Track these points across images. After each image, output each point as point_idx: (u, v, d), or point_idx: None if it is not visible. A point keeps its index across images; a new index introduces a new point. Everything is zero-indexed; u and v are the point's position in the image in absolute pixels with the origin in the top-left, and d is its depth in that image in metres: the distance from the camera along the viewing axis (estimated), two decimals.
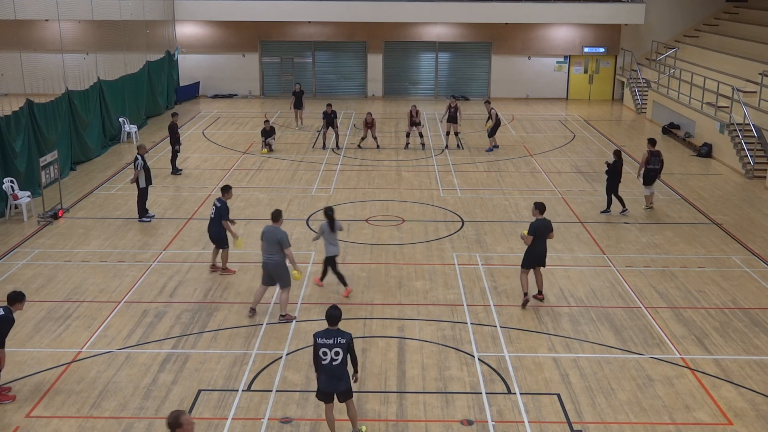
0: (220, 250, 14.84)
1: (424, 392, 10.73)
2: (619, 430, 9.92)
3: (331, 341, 9.05)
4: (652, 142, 19.08)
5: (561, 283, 14.55)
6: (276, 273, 12.71)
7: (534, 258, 13.38)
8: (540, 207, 13.40)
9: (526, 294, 13.44)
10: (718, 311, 13.47)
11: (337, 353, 9.03)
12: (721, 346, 12.19)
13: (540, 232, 13.22)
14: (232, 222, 14.74)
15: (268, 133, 25.19)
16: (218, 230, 14.56)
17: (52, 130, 21.10)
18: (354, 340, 12.08)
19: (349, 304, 13.54)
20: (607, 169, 18.55)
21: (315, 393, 9.59)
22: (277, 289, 13.22)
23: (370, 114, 25.70)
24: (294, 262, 12.71)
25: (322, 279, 14.21)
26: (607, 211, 18.77)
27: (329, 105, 25.64)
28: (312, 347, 9.28)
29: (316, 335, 9.19)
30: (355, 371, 9.43)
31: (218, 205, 14.48)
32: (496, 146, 25.62)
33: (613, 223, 18.16)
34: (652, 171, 18.88)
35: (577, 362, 11.62)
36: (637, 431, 9.92)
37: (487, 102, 26.21)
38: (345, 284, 13.89)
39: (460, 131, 25.98)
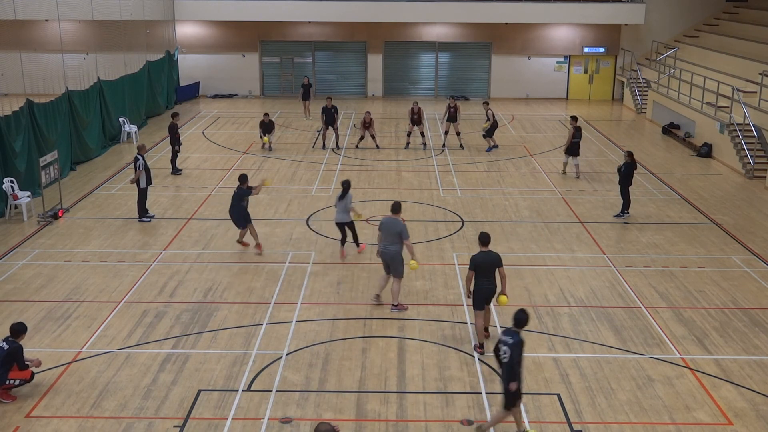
0: (245, 230, 15.97)
1: (424, 392, 10.73)
2: (619, 430, 9.92)
3: (504, 338, 9.41)
4: (574, 119, 21.94)
5: (561, 283, 14.55)
6: (392, 262, 13.06)
7: (484, 296, 11.68)
8: (482, 239, 11.77)
9: (481, 345, 11.83)
10: (718, 311, 13.47)
11: (505, 352, 9.33)
12: (721, 346, 12.19)
13: (481, 268, 11.56)
14: (257, 187, 16.27)
15: (267, 126, 25.15)
16: (237, 213, 15.78)
17: (52, 130, 21.10)
18: (354, 340, 12.15)
19: (349, 304, 13.56)
20: (622, 169, 18.17)
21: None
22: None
23: (368, 113, 25.63)
24: (413, 252, 13.05)
25: (357, 243, 15.98)
26: (623, 213, 18.47)
27: (329, 98, 25.52)
28: None
29: (503, 330, 9.62)
30: (511, 380, 9.31)
31: (236, 191, 15.83)
32: (496, 146, 25.59)
33: (613, 223, 18.15)
34: (575, 144, 21.78)
35: (577, 362, 11.62)
36: (637, 431, 9.92)
37: (485, 103, 26.18)
38: (356, 243, 15.91)
39: (461, 131, 25.94)
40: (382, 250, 13.13)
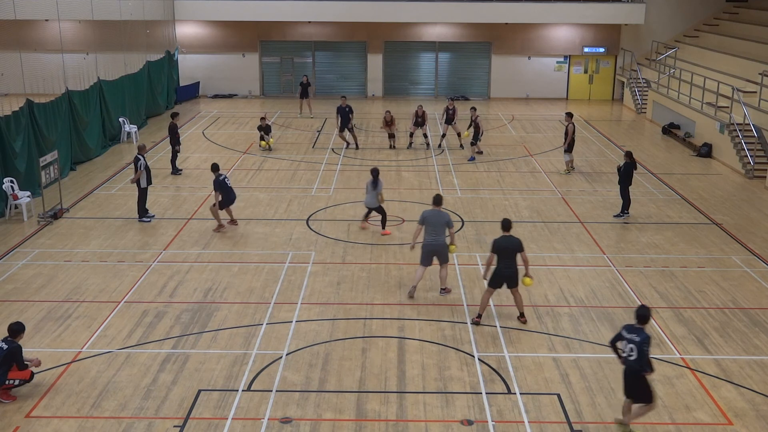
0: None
1: (424, 392, 10.74)
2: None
3: (629, 336, 9.47)
4: (570, 115, 22.49)
5: (561, 283, 14.55)
6: (441, 252, 13.59)
7: (500, 277, 12.46)
8: (503, 224, 12.60)
9: (479, 315, 12.75)
10: (718, 311, 13.47)
11: (631, 349, 9.42)
12: (721, 346, 12.20)
13: (502, 251, 12.34)
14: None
15: (264, 130, 25.15)
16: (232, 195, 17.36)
17: (52, 130, 21.10)
18: (354, 340, 12.16)
19: (349, 304, 13.57)
20: (620, 169, 18.16)
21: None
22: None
23: (389, 112, 25.42)
24: (454, 238, 13.72)
25: (365, 219, 17.54)
26: (623, 213, 18.45)
27: (344, 97, 25.56)
28: None
29: (622, 326, 9.71)
30: (646, 369, 9.41)
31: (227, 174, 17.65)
32: (480, 152, 24.87)
33: (613, 223, 18.15)
34: (573, 141, 22.24)
35: (577, 362, 11.62)
36: (637, 431, 9.92)
37: (473, 108, 24.97)
38: (382, 225, 17.13)
39: (461, 131, 25.87)
40: (429, 242, 13.52)
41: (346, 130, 25.39)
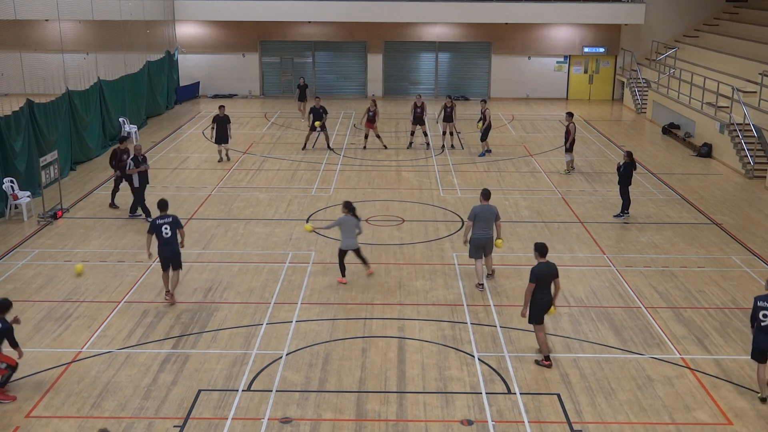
0: (177, 270, 13.62)
1: (424, 392, 10.74)
2: (619, 430, 9.92)
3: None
4: (571, 115, 22.54)
5: (561, 283, 14.51)
6: (488, 245, 14.23)
7: (542, 309, 11.37)
8: (540, 249, 11.41)
9: (547, 358, 11.47)
10: (718, 311, 13.47)
11: (765, 315, 10.22)
12: (721, 346, 12.20)
13: (542, 280, 11.25)
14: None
15: (222, 120, 23.31)
16: (178, 246, 13.51)
17: (52, 130, 21.10)
18: (354, 340, 12.17)
19: (349, 304, 13.57)
20: (621, 168, 18.12)
21: (751, 354, 10.71)
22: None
23: (374, 102, 24.93)
24: (500, 232, 14.28)
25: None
26: (623, 213, 18.42)
27: (317, 98, 24.98)
28: None
29: (757, 298, 10.47)
30: None
31: (170, 219, 13.26)
32: (489, 150, 25.07)
33: (613, 223, 18.15)
34: (574, 141, 22.30)
35: (577, 362, 11.62)
36: (637, 431, 9.92)
37: (483, 101, 25.37)
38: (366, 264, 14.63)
39: (461, 130, 25.83)
40: (479, 236, 13.99)
41: (320, 131, 24.85)
